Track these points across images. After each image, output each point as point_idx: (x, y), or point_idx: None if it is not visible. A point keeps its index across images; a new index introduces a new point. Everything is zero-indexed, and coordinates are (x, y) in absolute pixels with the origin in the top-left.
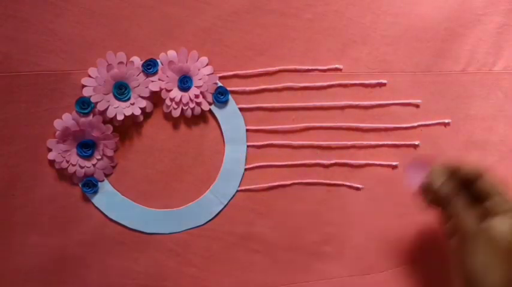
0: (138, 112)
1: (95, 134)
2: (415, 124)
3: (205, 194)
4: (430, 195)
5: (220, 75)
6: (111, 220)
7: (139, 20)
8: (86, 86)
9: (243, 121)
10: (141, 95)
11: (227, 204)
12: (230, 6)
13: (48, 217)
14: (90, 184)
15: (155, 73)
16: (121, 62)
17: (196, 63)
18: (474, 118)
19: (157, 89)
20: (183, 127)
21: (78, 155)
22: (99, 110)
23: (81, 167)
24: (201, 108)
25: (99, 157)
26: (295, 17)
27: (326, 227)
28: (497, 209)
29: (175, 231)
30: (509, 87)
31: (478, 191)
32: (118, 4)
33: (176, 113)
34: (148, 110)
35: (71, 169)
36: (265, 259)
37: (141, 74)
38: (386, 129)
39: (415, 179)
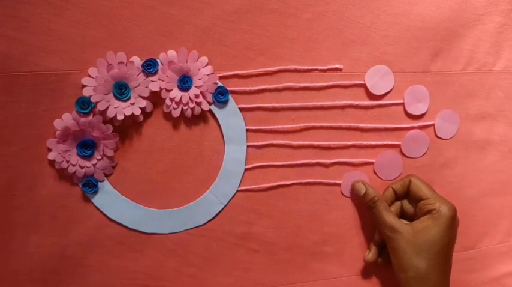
0: (138, 112)
1: (95, 134)
2: (415, 125)
3: (205, 194)
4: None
5: (220, 75)
6: (111, 220)
7: (139, 20)
8: (86, 86)
9: (243, 121)
10: (141, 95)
11: (227, 204)
12: (230, 6)
13: (48, 217)
14: (90, 184)
15: (155, 73)
16: (121, 62)
17: (196, 63)
18: (474, 118)
19: (157, 89)
20: (183, 127)
21: (78, 155)
22: (99, 110)
23: (81, 167)
24: (201, 108)
25: (99, 157)
26: (295, 17)
27: (326, 227)
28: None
29: (175, 231)
30: (509, 87)
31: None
32: (118, 4)
33: (176, 113)
34: (148, 110)
35: (71, 169)
36: (265, 259)
37: (141, 74)
38: (386, 130)
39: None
